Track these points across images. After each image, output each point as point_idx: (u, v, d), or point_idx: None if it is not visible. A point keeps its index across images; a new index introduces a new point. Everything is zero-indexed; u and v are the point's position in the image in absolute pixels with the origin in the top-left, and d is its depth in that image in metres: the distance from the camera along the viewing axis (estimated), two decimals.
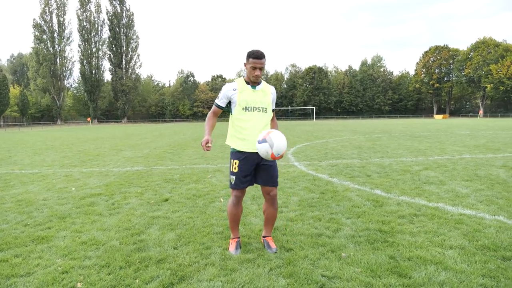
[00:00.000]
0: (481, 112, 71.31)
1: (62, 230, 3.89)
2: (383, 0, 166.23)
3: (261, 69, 3.06)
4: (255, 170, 3.19)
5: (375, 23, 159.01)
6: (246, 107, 3.10)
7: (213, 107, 3.25)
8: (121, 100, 76.01)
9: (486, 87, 69.59)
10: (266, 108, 3.17)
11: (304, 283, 2.60)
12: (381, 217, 4.05)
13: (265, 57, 3.08)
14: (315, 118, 74.15)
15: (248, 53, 3.05)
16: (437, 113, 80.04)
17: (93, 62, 74.52)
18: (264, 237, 3.37)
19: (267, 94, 3.20)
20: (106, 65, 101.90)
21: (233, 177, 3.15)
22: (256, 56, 3.01)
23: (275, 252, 3.15)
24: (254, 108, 3.11)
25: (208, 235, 3.61)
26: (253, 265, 2.92)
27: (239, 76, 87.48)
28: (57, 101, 71.90)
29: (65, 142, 17.99)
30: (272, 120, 3.35)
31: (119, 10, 76.76)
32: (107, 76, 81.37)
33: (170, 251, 3.23)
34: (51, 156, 11.69)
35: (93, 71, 74.56)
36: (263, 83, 3.24)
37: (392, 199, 4.87)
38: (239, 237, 3.34)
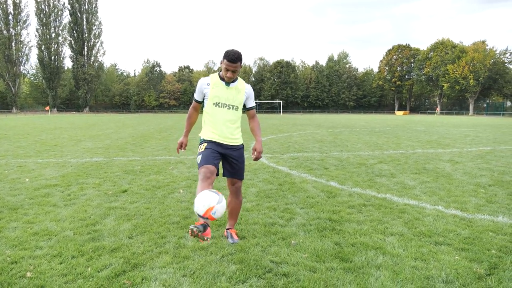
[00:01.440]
0: (438, 109, 75.15)
1: (13, 221, 3.79)
2: None
3: (234, 72, 3.06)
4: (223, 161, 3.21)
5: (342, 21, 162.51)
6: (216, 102, 3.12)
7: (193, 102, 3.32)
8: (83, 88, 72.84)
9: (443, 86, 73.29)
10: (237, 106, 3.17)
11: (253, 268, 2.74)
12: (332, 207, 4.29)
13: (241, 60, 3.07)
14: (282, 112, 74.99)
15: (225, 52, 3.04)
16: (398, 110, 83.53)
17: (52, 48, 70.64)
18: (227, 229, 3.41)
19: (240, 92, 3.18)
20: (66, 51, 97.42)
21: (199, 157, 3.08)
22: (230, 59, 3.00)
23: (236, 242, 3.22)
24: (224, 105, 3.12)
25: (164, 225, 3.67)
26: (206, 253, 3.02)
27: (207, 67, 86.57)
28: (12, 88, 67.75)
29: (20, 132, 17.10)
30: (252, 118, 3.38)
31: None
32: (68, 63, 77.73)
33: (124, 240, 3.26)
34: (4, 146, 11.12)
35: (52, 57, 70.72)
36: (239, 80, 3.22)
37: (345, 191, 5.14)
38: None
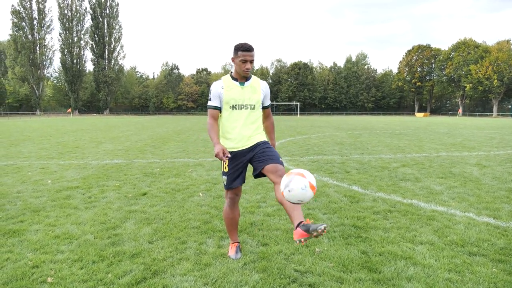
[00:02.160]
0: (460, 111, 73.20)
1: (35, 223, 3.81)
2: None
3: (252, 62, 2.87)
4: (251, 162, 2.96)
5: (360, 21, 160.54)
6: (234, 105, 2.93)
7: (209, 111, 2.97)
8: (103, 91, 74.48)
9: (466, 86, 71.35)
10: (254, 105, 2.98)
11: (276, 277, 2.63)
12: (356, 213, 4.14)
13: (254, 50, 2.91)
14: (300, 113, 74.56)
15: (236, 46, 2.87)
16: (419, 111, 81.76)
17: (75, 52, 72.60)
18: (297, 225, 2.46)
19: (256, 90, 3.00)
20: (88, 55, 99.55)
21: (225, 178, 2.98)
22: (245, 49, 2.83)
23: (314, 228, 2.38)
24: (242, 106, 2.94)
25: (185, 230, 3.61)
26: (227, 260, 2.94)
27: (225, 69, 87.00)
28: (36, 91, 69.91)
29: (43, 134, 17.54)
30: (266, 117, 3.20)
31: (103, 0, 74.89)
32: (89, 67, 79.64)
33: (145, 245, 3.21)
34: (28, 147, 11.39)
35: (74, 61, 72.66)
36: (253, 78, 3.03)
37: (369, 195, 4.97)
38: (239, 242, 3.16)
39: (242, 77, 2.95)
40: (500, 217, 4.02)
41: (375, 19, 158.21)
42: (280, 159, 2.86)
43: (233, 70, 3.01)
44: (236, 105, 2.93)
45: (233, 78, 2.97)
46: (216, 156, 2.68)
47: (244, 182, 3.03)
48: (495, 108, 70.15)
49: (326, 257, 2.97)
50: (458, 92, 77.36)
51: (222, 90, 2.93)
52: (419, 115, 73.23)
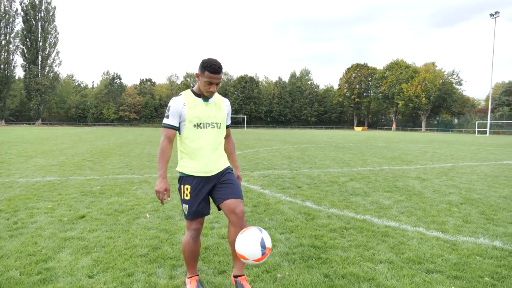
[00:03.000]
0: (394, 125, 78.87)
1: None
2: (312, 17, 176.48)
3: (218, 84, 2.59)
4: (211, 191, 2.71)
5: (303, 38, 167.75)
6: (198, 123, 2.62)
7: (164, 130, 2.62)
8: (35, 99, 68.62)
9: (398, 103, 77.29)
10: (220, 124, 2.71)
11: None
12: (313, 231, 4.04)
13: (222, 70, 2.63)
14: (246, 126, 75.13)
15: (203, 63, 2.55)
16: (357, 125, 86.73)
17: (2, 56, 66.34)
18: (235, 276, 2.73)
19: (221, 107, 2.74)
20: (18, 60, 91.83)
21: (185, 206, 2.64)
22: (213, 70, 2.52)
23: None
24: (207, 125, 2.65)
25: (131, 259, 3.22)
26: None
27: (170, 80, 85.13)
28: None
29: None
30: (227, 137, 2.94)
31: (37, 2, 69.72)
32: (19, 73, 73.08)
33: (84, 280, 2.79)
34: None
35: (2, 66, 66.37)
36: (216, 95, 2.76)
37: (323, 212, 4.93)
38: (198, 275, 2.82)
39: (205, 96, 2.67)
40: (447, 230, 4.18)
41: (317, 37, 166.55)
42: (241, 193, 2.71)
43: (195, 85, 2.73)
44: (201, 124, 2.62)
45: (196, 94, 2.66)
46: (156, 193, 2.49)
47: (208, 213, 2.72)
48: (423, 124, 76.70)
49: (289, 283, 2.80)
50: (392, 108, 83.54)
51: (184, 107, 2.60)
52: (358, 129, 77.68)
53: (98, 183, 6.98)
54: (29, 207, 5.04)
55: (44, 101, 69.73)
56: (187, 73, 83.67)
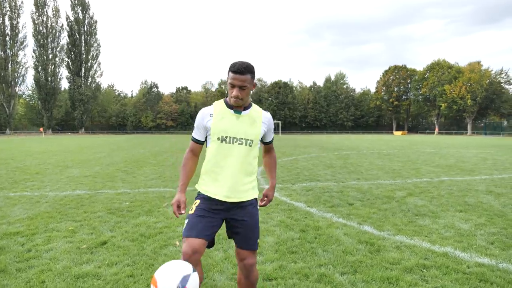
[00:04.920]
0: (437, 129, 74.68)
1: None
2: (345, 20, 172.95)
3: (243, 88, 2.17)
4: (227, 222, 2.31)
5: (337, 42, 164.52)
6: (223, 137, 2.23)
7: (190, 143, 2.38)
8: (79, 109, 71.92)
9: (441, 106, 73.19)
10: (251, 141, 2.26)
11: None
12: (384, 271, 3.15)
13: (253, 73, 2.21)
14: (281, 132, 74.23)
15: (230, 65, 2.20)
16: (396, 130, 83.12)
17: (49, 69, 70.18)
18: None
19: (255, 122, 2.29)
20: (63, 72, 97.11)
21: (186, 222, 2.25)
22: (235, 70, 2.14)
23: None
24: (235, 140, 2.23)
25: None
26: None
27: (205, 88, 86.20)
28: (7, 109, 66.67)
29: (4, 156, 15.90)
30: (268, 152, 2.56)
31: (81, 17, 73.35)
32: (65, 84, 77.08)
33: None
34: None
35: (49, 78, 70.19)
36: (254, 107, 2.34)
37: (388, 240, 4.00)
38: None
39: (235, 106, 2.26)
40: None
41: (352, 40, 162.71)
42: (256, 240, 2.32)
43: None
44: (226, 138, 2.23)
45: (228, 105, 2.28)
46: (172, 208, 2.25)
47: (211, 241, 2.27)
48: (469, 127, 72.02)
49: None
50: (434, 111, 79.28)
51: (210, 119, 2.26)
52: (397, 133, 74.30)
53: (127, 198, 6.44)
54: (49, 228, 4.52)
55: (87, 110, 72.88)
56: (221, 80, 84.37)
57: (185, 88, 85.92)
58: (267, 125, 2.35)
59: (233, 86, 2.17)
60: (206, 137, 2.32)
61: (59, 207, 5.76)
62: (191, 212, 2.25)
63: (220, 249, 3.73)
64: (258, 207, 2.36)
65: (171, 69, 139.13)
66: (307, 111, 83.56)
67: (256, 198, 2.35)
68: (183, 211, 2.22)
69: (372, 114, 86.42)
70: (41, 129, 62.03)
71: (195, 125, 2.34)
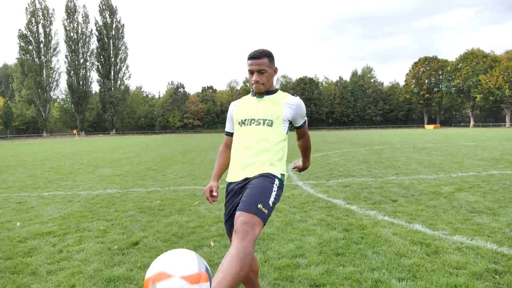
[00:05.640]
0: (472, 122, 71.24)
1: None
2: (370, 13, 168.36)
3: (261, 72, 2.15)
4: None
5: (362, 36, 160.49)
6: (242, 120, 2.22)
7: (224, 136, 2.44)
8: (109, 111, 74.10)
9: (476, 97, 69.75)
10: (270, 121, 2.15)
11: None
12: (448, 277, 2.74)
13: (270, 56, 2.19)
14: (308, 129, 73.28)
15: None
16: (428, 123, 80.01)
17: (81, 73, 72.76)
18: None
19: (278, 103, 2.20)
20: (94, 76, 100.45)
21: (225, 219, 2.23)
22: (251, 56, 2.16)
23: None
24: (252, 121, 2.18)
25: None
26: None
27: (230, 86, 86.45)
28: (43, 113, 69.67)
29: (40, 157, 16.39)
30: (301, 136, 2.47)
31: (109, 21, 75.45)
32: (95, 87, 79.68)
33: None
34: (15, 174, 10.17)
35: (81, 82, 72.75)
36: (279, 93, 2.28)
37: (446, 241, 3.56)
38: None
39: (257, 93, 2.26)
40: None
41: (377, 33, 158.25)
42: (258, 206, 1.82)
43: None
44: (245, 121, 2.20)
45: (253, 94, 2.31)
46: (205, 195, 2.20)
47: None
48: (507, 118, 68.24)
49: None
50: (468, 103, 75.67)
51: (235, 108, 2.32)
52: (429, 127, 71.47)
53: (158, 197, 6.29)
54: (80, 228, 4.40)
55: (117, 112, 74.97)
56: (246, 78, 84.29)
57: (211, 87, 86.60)
58: (294, 109, 2.21)
59: (251, 72, 2.17)
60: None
61: (91, 206, 5.67)
62: (225, 210, 2.21)
63: (258, 251, 3.44)
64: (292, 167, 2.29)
65: (197, 69, 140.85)
66: (334, 107, 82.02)
67: (273, 174, 2.03)
68: (215, 194, 2.16)
69: (401, 108, 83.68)
70: (75, 131, 64.34)
71: (227, 119, 2.39)
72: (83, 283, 2.82)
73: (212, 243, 3.70)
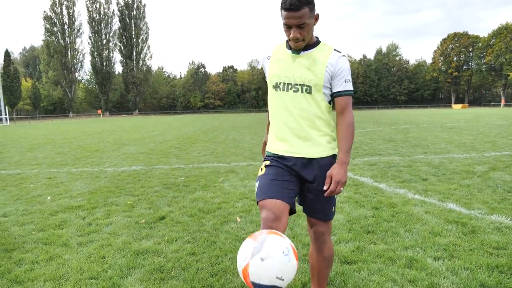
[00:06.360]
0: (503, 101, 67.98)
1: None
2: None
3: (301, 26, 1.70)
4: (301, 190, 1.89)
5: (388, 12, 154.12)
6: (277, 84, 1.86)
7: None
8: (132, 92, 75.19)
9: (509, 75, 66.28)
10: (309, 87, 1.79)
11: None
12: (488, 258, 2.59)
13: (311, 3, 1.71)
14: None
15: (281, 2, 1.74)
16: (455, 103, 77.02)
17: (104, 54, 73.69)
18: None
19: (316, 63, 1.79)
20: (116, 57, 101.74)
21: (256, 184, 1.88)
22: (287, 7, 1.68)
23: None
24: (289, 86, 1.82)
25: None
26: None
27: (251, 66, 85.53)
28: (69, 94, 71.48)
29: (67, 136, 16.86)
30: (340, 114, 1.83)
31: (130, 1, 75.51)
32: (118, 68, 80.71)
33: None
34: (45, 152, 10.49)
35: (104, 63, 73.80)
36: (321, 46, 1.84)
37: (483, 220, 3.39)
38: None
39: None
40: None
41: (404, 9, 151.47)
42: (329, 210, 1.90)
43: None
44: (279, 84, 1.85)
45: (288, 45, 1.87)
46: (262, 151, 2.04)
47: (294, 211, 1.81)
48: None
49: None
50: (500, 81, 72.05)
51: (268, 62, 1.94)
52: (457, 106, 68.77)
53: (182, 174, 6.32)
54: (108, 203, 4.47)
55: (139, 92, 75.96)
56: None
57: (231, 67, 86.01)
58: (333, 69, 1.78)
59: (289, 27, 1.74)
60: None
61: (117, 182, 5.76)
62: (261, 173, 1.88)
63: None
64: (324, 195, 1.82)
65: (217, 48, 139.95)
66: (357, 86, 79.98)
67: (334, 156, 1.89)
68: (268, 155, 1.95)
69: (428, 87, 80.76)
70: (99, 111, 65.80)
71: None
72: (112, 255, 2.85)
73: (238, 219, 3.67)
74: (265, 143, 2.05)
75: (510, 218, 3.42)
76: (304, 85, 1.80)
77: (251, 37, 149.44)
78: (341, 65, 1.79)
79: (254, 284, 1.41)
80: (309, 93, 1.81)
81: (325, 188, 1.75)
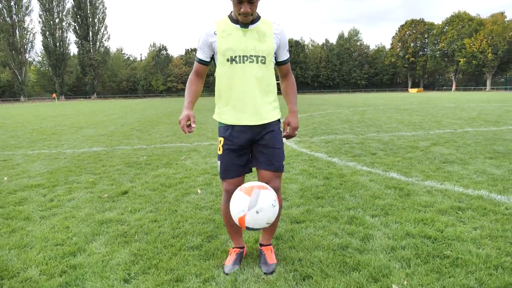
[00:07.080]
0: (454, 86, 72.28)
1: None
2: None
3: (252, 2, 1.91)
4: (252, 149, 2.18)
5: None
6: (232, 57, 2.01)
7: (194, 64, 2.19)
8: (90, 74, 71.78)
9: (459, 61, 70.31)
10: (263, 58, 2.03)
11: None
12: (417, 213, 3.00)
13: None
14: None
15: None
16: (412, 87, 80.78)
17: (57, 34, 69.38)
18: (261, 245, 2.36)
19: (265, 36, 2.03)
20: (71, 37, 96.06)
21: (218, 163, 2.21)
22: None
23: (273, 272, 2.15)
24: (245, 58, 2.01)
25: (180, 253, 2.42)
26: None
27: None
28: (19, 76, 66.94)
29: (20, 120, 16.04)
30: (285, 76, 2.25)
31: None
32: (73, 49, 76.42)
33: (117, 286, 2.04)
34: None
35: (57, 44, 69.56)
36: (262, 20, 2.07)
37: (417, 185, 3.83)
38: (242, 247, 2.38)
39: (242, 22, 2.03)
40: None
41: None
42: (281, 162, 2.18)
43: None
44: (235, 57, 2.01)
45: (233, 20, 2.04)
46: (180, 124, 2.04)
47: (248, 171, 2.22)
48: (488, 82, 69.48)
49: None
50: (452, 67, 76.29)
51: (215, 37, 2.04)
52: (413, 90, 72.22)
53: (144, 153, 6.38)
54: (69, 181, 4.49)
55: (97, 75, 72.67)
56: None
57: (195, 49, 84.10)
58: (279, 39, 2.06)
59: (240, 1, 1.89)
60: (211, 58, 2.11)
61: (78, 162, 5.74)
62: (219, 152, 2.17)
63: None
64: (282, 136, 2.23)
65: (179, 30, 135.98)
66: (319, 70, 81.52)
67: (279, 120, 2.21)
68: (193, 125, 2.03)
69: (386, 72, 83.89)
70: (54, 95, 62.33)
71: (198, 46, 2.11)
72: (76, 225, 2.96)
73: (199, 191, 3.87)
74: (187, 117, 2.04)
75: (440, 183, 3.89)
76: (259, 56, 2.01)
77: (214, 18, 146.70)
78: (284, 36, 2.11)
79: (248, 228, 1.95)
80: (264, 63, 2.03)
81: (284, 134, 2.20)
